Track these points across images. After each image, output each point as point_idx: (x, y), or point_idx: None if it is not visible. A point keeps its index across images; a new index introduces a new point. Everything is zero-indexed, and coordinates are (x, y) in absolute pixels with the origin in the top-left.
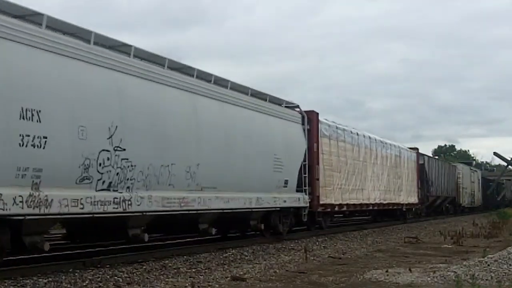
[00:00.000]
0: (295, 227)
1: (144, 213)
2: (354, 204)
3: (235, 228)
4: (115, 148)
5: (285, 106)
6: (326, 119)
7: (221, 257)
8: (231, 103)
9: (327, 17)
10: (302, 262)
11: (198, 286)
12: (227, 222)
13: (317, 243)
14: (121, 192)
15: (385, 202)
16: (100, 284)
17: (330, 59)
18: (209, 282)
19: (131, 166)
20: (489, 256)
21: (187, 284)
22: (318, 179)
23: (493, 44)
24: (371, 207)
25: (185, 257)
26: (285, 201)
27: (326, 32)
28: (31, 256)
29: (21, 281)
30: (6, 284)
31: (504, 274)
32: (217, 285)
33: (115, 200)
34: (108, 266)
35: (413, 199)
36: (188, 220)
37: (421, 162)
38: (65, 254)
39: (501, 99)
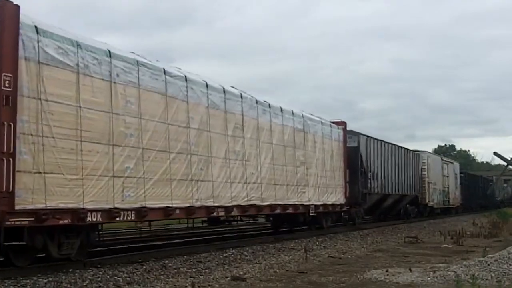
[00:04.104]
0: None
1: None
2: (167, 208)
3: None
4: None
5: None
6: (63, 29)
7: (221, 257)
8: None
9: (320, 17)
10: (302, 262)
11: (198, 286)
12: None
13: (317, 243)
14: None
15: (264, 204)
16: (100, 284)
17: (323, 59)
18: (209, 282)
19: None
20: (489, 256)
21: (187, 284)
22: (12, 155)
23: (486, 44)
24: (221, 212)
25: (185, 257)
26: None
27: (319, 32)
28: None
29: (21, 281)
30: (6, 284)
31: (504, 274)
32: (217, 285)
33: None
34: (108, 266)
35: (335, 198)
36: None
37: (353, 144)
38: None
39: (495, 99)
